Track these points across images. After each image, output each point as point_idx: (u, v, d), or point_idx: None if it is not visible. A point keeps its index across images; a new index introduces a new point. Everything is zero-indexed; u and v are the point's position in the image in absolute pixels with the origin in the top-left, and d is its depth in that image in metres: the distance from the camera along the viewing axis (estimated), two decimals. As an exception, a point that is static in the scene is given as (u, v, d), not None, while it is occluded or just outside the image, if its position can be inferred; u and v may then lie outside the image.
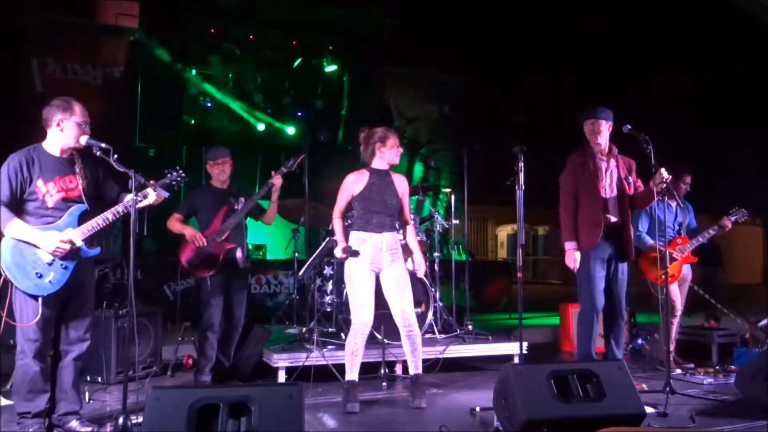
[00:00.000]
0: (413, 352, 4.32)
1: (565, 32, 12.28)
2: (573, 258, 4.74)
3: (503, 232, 21.56)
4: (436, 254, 6.05)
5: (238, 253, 4.77)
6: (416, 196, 6.28)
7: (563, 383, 3.37)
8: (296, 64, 12.09)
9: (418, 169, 12.62)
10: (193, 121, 11.65)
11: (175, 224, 4.85)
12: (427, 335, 5.53)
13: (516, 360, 5.13)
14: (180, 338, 5.57)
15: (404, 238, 5.45)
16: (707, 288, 6.97)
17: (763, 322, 6.19)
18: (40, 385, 3.52)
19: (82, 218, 3.57)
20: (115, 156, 3.53)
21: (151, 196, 3.62)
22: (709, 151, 12.36)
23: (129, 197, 3.58)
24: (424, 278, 5.53)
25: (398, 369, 5.23)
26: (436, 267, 6.03)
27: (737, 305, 7.70)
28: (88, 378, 4.82)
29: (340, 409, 4.15)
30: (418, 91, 13.04)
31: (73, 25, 9.71)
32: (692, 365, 5.54)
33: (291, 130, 12.11)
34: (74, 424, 3.61)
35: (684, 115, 12.36)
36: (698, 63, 12.44)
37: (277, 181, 4.87)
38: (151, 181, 3.65)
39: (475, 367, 5.57)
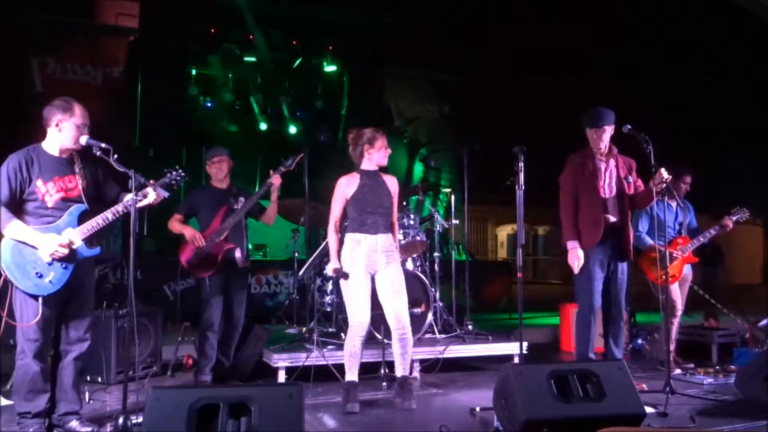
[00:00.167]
0: (403, 354, 4.31)
1: (565, 32, 12.28)
2: (576, 256, 4.73)
3: (503, 232, 21.56)
4: (436, 254, 6.05)
5: (237, 253, 4.77)
6: (416, 196, 6.28)
7: (563, 383, 3.37)
8: (296, 64, 12.10)
9: (418, 169, 12.62)
10: (193, 121, 11.66)
11: (175, 225, 4.85)
12: (427, 335, 5.53)
13: (516, 360, 5.13)
14: (180, 338, 5.57)
15: (403, 238, 5.46)
16: (707, 288, 6.97)
17: (763, 322, 6.19)
18: (40, 385, 3.52)
19: (82, 218, 3.57)
20: (115, 156, 3.53)
21: (151, 195, 3.62)
22: (709, 151, 12.35)
23: (129, 197, 3.59)
24: (424, 278, 5.54)
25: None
26: (436, 267, 6.04)
27: (737, 305, 7.70)
28: (88, 378, 4.82)
29: (340, 409, 4.15)
30: (418, 91, 13.04)
31: (73, 25, 9.72)
32: (692, 365, 5.53)
33: (292, 130, 12.12)
34: (74, 424, 3.61)
35: (684, 115, 12.35)
36: (698, 63, 12.44)
37: (276, 180, 4.87)
38: (151, 181, 3.65)
39: (475, 367, 5.56)
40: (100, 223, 3.57)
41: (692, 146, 11.24)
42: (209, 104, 11.89)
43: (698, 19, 11.38)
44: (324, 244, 5.29)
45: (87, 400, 4.27)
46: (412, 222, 5.56)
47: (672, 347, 5.34)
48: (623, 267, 4.86)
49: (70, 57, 9.48)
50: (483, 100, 13.24)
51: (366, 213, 4.31)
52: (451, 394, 4.73)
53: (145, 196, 3.61)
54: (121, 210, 3.61)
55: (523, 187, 4.19)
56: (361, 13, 11.70)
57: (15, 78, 9.01)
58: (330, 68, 12.06)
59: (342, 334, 5.08)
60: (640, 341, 6.34)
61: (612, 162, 4.85)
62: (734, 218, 5.51)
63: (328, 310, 5.68)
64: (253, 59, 11.55)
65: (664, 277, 4.80)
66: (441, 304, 5.82)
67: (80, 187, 3.62)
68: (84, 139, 3.57)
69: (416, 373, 5.17)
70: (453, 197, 6.88)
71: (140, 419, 3.11)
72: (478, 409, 4.08)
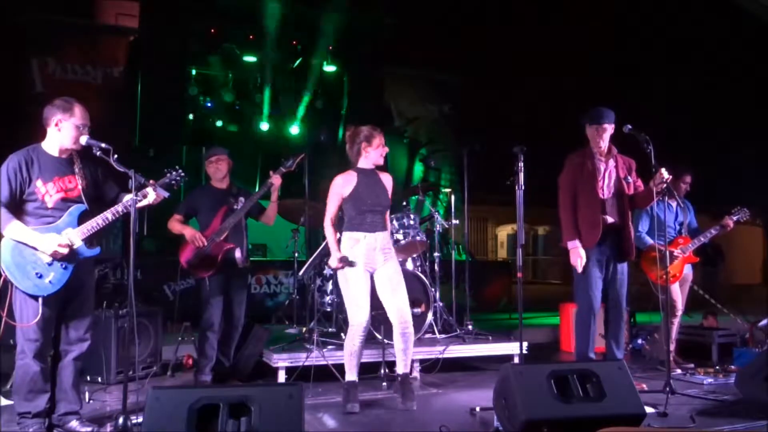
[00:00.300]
0: (405, 350, 4.28)
1: (565, 32, 12.27)
2: (578, 255, 4.73)
3: (503, 232, 21.56)
4: (436, 254, 6.05)
5: (237, 253, 4.77)
6: (416, 196, 6.28)
7: (563, 383, 3.37)
8: (296, 64, 12.09)
9: (418, 169, 12.62)
10: (193, 121, 11.66)
11: (175, 225, 4.85)
12: (427, 335, 5.54)
13: (516, 360, 5.13)
14: (180, 338, 5.57)
15: (403, 238, 5.46)
16: (708, 288, 6.97)
17: (763, 322, 6.19)
18: (40, 385, 3.52)
19: (82, 218, 3.57)
20: (115, 156, 3.53)
21: (151, 195, 3.62)
22: (709, 151, 12.34)
23: (128, 197, 3.59)
24: (424, 278, 5.54)
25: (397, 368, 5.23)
26: (436, 267, 6.04)
27: (737, 305, 7.70)
28: (88, 378, 4.82)
29: (340, 409, 4.15)
30: (418, 91, 13.03)
31: (73, 25, 9.72)
32: (692, 365, 5.53)
33: (294, 130, 12.12)
34: (74, 424, 3.61)
35: (684, 115, 12.34)
36: (698, 63, 12.43)
37: (276, 180, 4.87)
38: (151, 181, 3.65)
39: (475, 367, 5.56)
40: (100, 223, 3.58)
41: (692, 146, 11.23)
42: (209, 104, 11.89)
43: (698, 19, 11.38)
44: (324, 244, 5.28)
45: (87, 400, 4.27)
46: (412, 222, 5.55)
47: (672, 347, 5.34)
48: (623, 267, 4.86)
49: (70, 57, 9.48)
50: (483, 100, 13.23)
51: (364, 211, 4.29)
52: (451, 394, 4.73)
53: (144, 196, 3.61)
54: (121, 210, 3.61)
55: (523, 187, 4.19)
56: (361, 13, 11.70)
57: (15, 78, 9.01)
58: (330, 68, 12.06)
59: (342, 334, 5.07)
60: (640, 341, 6.34)
61: (611, 162, 4.85)
62: (735, 218, 5.51)
63: (328, 310, 5.68)
64: (253, 59, 11.55)
65: (664, 276, 4.80)
66: (441, 304, 5.82)
67: (80, 187, 3.62)
68: (84, 139, 3.57)
69: (416, 373, 5.17)
70: (453, 197, 6.88)
71: (140, 419, 3.11)
72: (478, 409, 4.08)
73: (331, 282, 5.68)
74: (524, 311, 4.35)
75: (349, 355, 4.27)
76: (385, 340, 4.95)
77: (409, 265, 5.69)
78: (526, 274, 17.37)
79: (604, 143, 4.81)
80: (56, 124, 3.56)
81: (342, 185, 4.32)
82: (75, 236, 3.51)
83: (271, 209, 5.01)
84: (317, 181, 6.07)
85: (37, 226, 3.48)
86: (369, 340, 4.59)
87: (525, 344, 4.78)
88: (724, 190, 10.04)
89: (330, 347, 4.98)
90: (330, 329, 5.50)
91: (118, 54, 9.85)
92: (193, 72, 11.47)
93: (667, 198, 4.98)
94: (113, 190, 3.80)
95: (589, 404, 3.34)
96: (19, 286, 3.42)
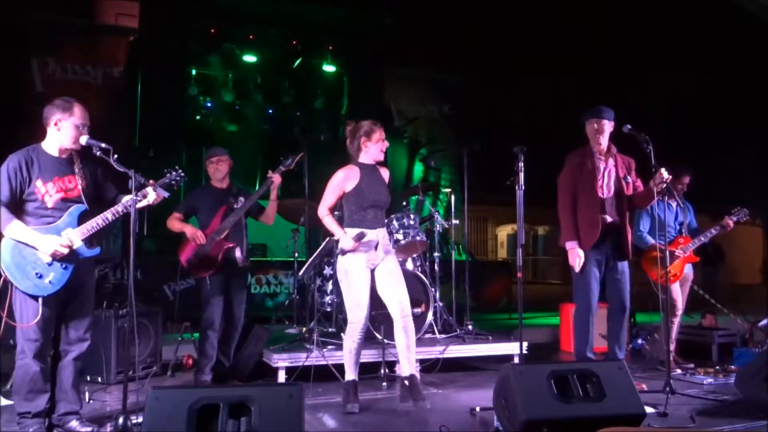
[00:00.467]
0: (408, 347, 4.22)
1: (565, 32, 12.27)
2: (577, 255, 4.73)
3: (503, 232, 21.57)
4: (436, 254, 6.05)
5: (237, 253, 4.77)
6: (416, 196, 6.28)
7: (563, 383, 3.37)
8: (296, 64, 12.09)
9: (418, 169, 12.62)
10: (193, 121, 11.65)
11: (174, 223, 4.85)
12: (427, 335, 5.53)
13: (516, 360, 5.13)
14: (179, 338, 5.57)
15: (403, 238, 5.45)
16: (708, 288, 6.97)
17: (763, 322, 6.19)
18: (40, 385, 3.52)
19: (82, 218, 3.57)
20: (115, 156, 3.53)
21: (151, 195, 3.62)
22: (709, 151, 12.34)
23: (128, 197, 3.59)
24: (424, 278, 5.54)
25: (398, 369, 5.22)
26: (436, 267, 6.04)
27: (737, 305, 7.70)
28: (88, 378, 4.82)
29: (340, 409, 4.15)
30: (418, 91, 13.03)
31: (73, 25, 9.71)
32: (692, 365, 5.54)
33: (295, 130, 12.12)
34: (74, 424, 3.61)
35: (684, 115, 12.35)
36: (698, 63, 12.43)
37: (275, 179, 4.87)
38: (151, 181, 3.65)
39: (475, 367, 5.56)
40: (99, 223, 3.58)
41: (692, 146, 11.23)
42: (209, 104, 11.88)
43: (698, 19, 11.38)
44: (324, 243, 5.28)
45: (87, 400, 4.28)
46: (412, 222, 5.55)
47: (672, 347, 5.34)
48: (623, 267, 4.85)
49: (70, 57, 9.47)
50: (483, 100, 13.23)
51: (366, 208, 4.25)
52: (451, 394, 4.73)
53: (144, 197, 3.61)
54: (121, 210, 3.61)
55: (523, 187, 4.18)
56: (361, 13, 11.70)
57: (15, 78, 9.00)
58: (330, 68, 12.06)
59: (342, 334, 5.07)
60: (640, 341, 6.34)
61: (611, 161, 4.85)
62: (734, 218, 5.51)
63: (328, 310, 5.68)
64: (253, 59, 11.56)
65: (664, 276, 4.80)
66: (441, 304, 5.82)
67: (80, 187, 3.62)
68: (84, 139, 3.57)
69: (416, 374, 5.16)
70: (453, 197, 6.88)
71: (140, 419, 3.12)
72: (478, 409, 4.09)
73: (331, 282, 5.68)
74: (524, 311, 4.35)
75: (349, 352, 4.25)
76: (385, 340, 4.95)
77: (409, 265, 5.69)
78: (526, 274, 17.37)
79: (604, 139, 4.81)
80: (56, 124, 3.56)
81: (344, 180, 4.27)
82: (75, 236, 3.51)
83: (270, 208, 5.01)
84: (317, 181, 6.06)
85: (37, 226, 3.49)
86: (369, 340, 4.58)
87: (525, 344, 4.78)
88: (724, 190, 10.05)
89: (330, 347, 4.98)
90: (330, 329, 5.50)
91: (118, 54, 9.84)
92: (193, 72, 11.46)
93: (667, 198, 4.98)
94: (112, 191, 3.80)
95: (589, 404, 3.33)
96: (19, 286, 3.42)
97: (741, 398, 4.36)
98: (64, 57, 9.43)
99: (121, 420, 3.35)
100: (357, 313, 4.21)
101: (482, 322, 7.01)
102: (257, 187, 5.38)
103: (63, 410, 3.62)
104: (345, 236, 4.20)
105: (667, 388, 4.32)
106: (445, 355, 5.23)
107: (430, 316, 5.48)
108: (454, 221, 6.37)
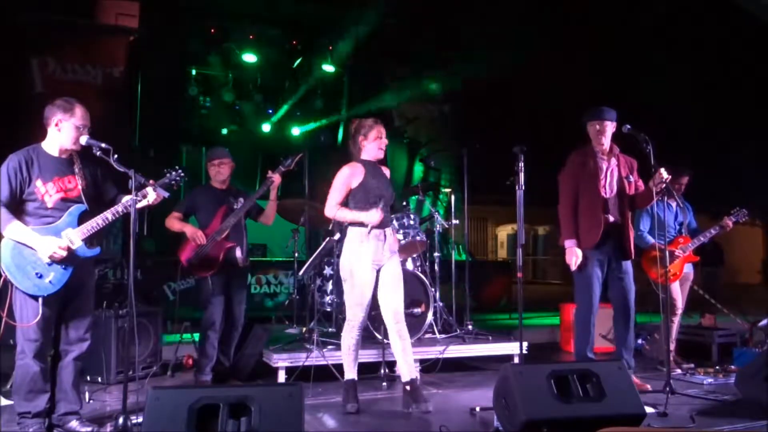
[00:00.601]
0: (404, 350, 4.20)
1: (565, 32, 12.27)
2: (574, 254, 4.73)
3: (503, 232, 21.58)
4: (436, 254, 6.05)
5: (237, 253, 4.77)
6: (416, 196, 6.28)
7: (563, 383, 3.37)
8: (296, 64, 12.10)
9: (418, 169, 12.63)
10: (193, 121, 11.66)
11: (174, 222, 4.85)
12: (427, 335, 5.53)
13: (516, 360, 5.14)
14: (180, 338, 5.57)
15: (403, 238, 5.45)
16: (709, 287, 6.97)
17: (763, 322, 6.19)
18: (40, 385, 3.52)
19: (82, 218, 3.57)
20: (115, 156, 3.53)
21: (151, 195, 3.62)
22: (709, 151, 12.34)
23: (128, 197, 3.59)
24: (424, 278, 5.54)
25: (398, 369, 5.22)
26: (436, 267, 6.04)
27: (737, 305, 7.70)
28: (88, 378, 4.82)
29: (340, 409, 4.15)
30: (418, 91, 13.04)
31: (73, 25, 9.70)
32: (692, 365, 5.54)
33: (296, 131, 12.12)
34: (74, 424, 3.61)
35: (684, 115, 12.34)
36: (698, 63, 12.43)
37: (276, 179, 4.87)
38: (151, 181, 3.65)
39: (475, 367, 5.57)
40: (100, 223, 3.58)
41: (692, 146, 11.23)
42: (209, 104, 11.88)
43: (698, 19, 11.37)
44: (324, 243, 5.28)
45: (87, 400, 4.28)
46: (412, 222, 5.55)
47: (672, 347, 5.34)
48: (627, 267, 4.82)
49: (70, 57, 9.46)
50: (483, 100, 13.22)
51: (373, 203, 4.18)
52: (451, 394, 4.73)
53: (144, 197, 3.61)
54: (121, 210, 3.61)
55: (523, 187, 4.18)
56: (361, 13, 11.70)
57: (15, 78, 9.00)
58: (330, 68, 12.06)
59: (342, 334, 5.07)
60: (640, 341, 6.34)
61: (613, 161, 4.84)
62: (733, 219, 5.52)
63: (328, 310, 5.68)
64: (253, 59, 11.56)
65: (664, 276, 4.80)
66: (441, 304, 5.82)
67: (80, 187, 3.62)
68: (84, 139, 3.57)
69: (417, 376, 5.16)
70: (453, 197, 6.88)
71: (140, 419, 3.11)
72: (478, 409, 4.09)
73: (331, 282, 5.68)
74: (524, 311, 4.35)
75: (348, 349, 4.23)
76: (385, 340, 4.95)
77: (409, 265, 5.69)
78: (526, 274, 17.37)
79: (606, 140, 4.80)
80: (56, 124, 3.56)
81: (350, 176, 4.22)
82: (75, 236, 3.51)
83: (270, 208, 5.01)
84: (317, 181, 6.07)
85: (37, 227, 3.49)
86: (369, 340, 4.58)
87: (525, 344, 4.78)
88: (724, 190, 10.05)
89: (330, 347, 4.98)
90: (330, 329, 5.50)
91: (118, 54, 9.82)
92: (193, 72, 11.47)
93: (666, 198, 4.98)
94: (112, 191, 3.80)
95: (589, 404, 3.33)
96: (19, 286, 3.42)
97: (741, 398, 4.36)
98: (64, 57, 9.42)
99: (121, 420, 3.36)
100: (357, 312, 4.21)
101: (482, 322, 7.02)
102: (257, 188, 5.38)
103: (63, 410, 3.62)
104: (368, 213, 4.13)
105: (667, 388, 4.32)
106: (445, 355, 5.23)
107: (430, 316, 5.47)
108: (454, 221, 6.37)
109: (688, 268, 5.69)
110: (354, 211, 4.18)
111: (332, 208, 4.23)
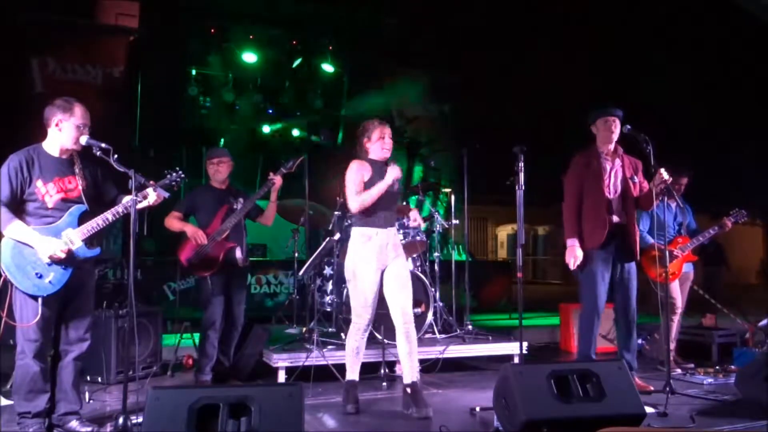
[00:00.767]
0: (410, 354, 4.16)
1: (565, 32, 12.27)
2: (574, 254, 4.72)
3: (503, 232, 21.59)
4: (436, 254, 6.06)
5: (238, 253, 4.77)
6: (416, 196, 6.28)
7: (563, 383, 3.37)
8: (296, 64, 12.09)
9: (418, 169, 12.63)
10: (193, 121, 11.66)
11: (174, 222, 4.85)
12: (427, 335, 5.54)
13: (516, 360, 5.14)
14: (180, 338, 5.57)
15: (403, 238, 5.45)
16: (710, 287, 6.97)
17: (763, 322, 6.20)
18: (40, 385, 3.52)
19: (82, 218, 3.58)
20: (115, 156, 3.53)
21: (151, 196, 3.62)
22: (709, 151, 12.34)
23: (128, 198, 3.59)
24: (424, 278, 5.54)
25: (398, 369, 5.22)
26: (436, 267, 6.04)
27: (737, 305, 7.70)
28: (88, 378, 4.82)
29: (340, 409, 4.15)
30: (417, 91, 13.04)
31: (73, 25, 9.71)
32: (692, 365, 5.54)
33: (296, 132, 12.12)
34: (74, 424, 3.61)
35: (684, 115, 12.34)
36: (698, 63, 12.43)
37: (277, 180, 4.88)
38: (151, 182, 3.65)
39: (475, 367, 5.57)
40: (100, 223, 3.58)
41: (692, 146, 11.23)
42: (209, 104, 11.88)
43: (698, 19, 11.37)
44: (324, 243, 5.29)
45: (87, 400, 4.28)
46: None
47: (672, 347, 5.34)
48: (630, 269, 4.80)
49: (70, 57, 9.46)
50: (483, 100, 13.22)
51: (378, 205, 4.16)
52: (451, 394, 4.73)
53: (145, 197, 3.61)
54: (122, 211, 3.61)
55: (523, 187, 4.18)
56: (361, 13, 11.70)
57: (15, 78, 9.00)
58: (330, 68, 12.06)
59: (342, 335, 5.08)
60: (640, 341, 6.34)
61: (618, 162, 4.83)
62: (732, 219, 5.52)
63: (328, 310, 5.68)
64: (253, 59, 11.56)
65: (663, 275, 4.80)
66: (441, 304, 5.82)
67: (80, 187, 3.62)
68: (84, 139, 3.57)
69: (418, 379, 5.16)
70: (453, 197, 6.88)
71: (140, 419, 3.11)
72: (478, 409, 4.09)
73: (331, 282, 5.68)
74: (524, 311, 4.35)
75: (352, 351, 4.23)
76: (385, 340, 4.96)
77: (409, 265, 5.68)
78: (526, 274, 17.36)
79: (615, 136, 4.77)
80: (57, 124, 3.56)
81: (359, 168, 4.19)
82: (75, 236, 3.52)
83: (269, 209, 5.01)
84: (317, 181, 6.07)
85: (38, 227, 3.49)
86: (369, 340, 4.57)
87: (525, 344, 4.78)
88: (724, 190, 10.05)
89: (330, 347, 4.98)
90: (330, 329, 5.50)
91: (118, 54, 9.83)
92: (193, 72, 11.46)
93: (666, 198, 4.98)
94: (112, 192, 3.80)
95: (589, 404, 3.33)
96: (19, 286, 3.42)
97: (741, 398, 4.36)
98: (64, 57, 9.42)
99: (121, 420, 3.36)
100: (363, 314, 4.19)
101: (482, 322, 7.02)
102: (257, 188, 5.39)
103: (63, 410, 3.62)
104: (387, 173, 4.10)
105: (667, 388, 4.32)
106: (445, 355, 5.23)
107: (430, 316, 5.48)
108: (454, 221, 6.37)
109: (688, 268, 5.69)
110: (373, 188, 4.11)
111: (355, 199, 4.15)
